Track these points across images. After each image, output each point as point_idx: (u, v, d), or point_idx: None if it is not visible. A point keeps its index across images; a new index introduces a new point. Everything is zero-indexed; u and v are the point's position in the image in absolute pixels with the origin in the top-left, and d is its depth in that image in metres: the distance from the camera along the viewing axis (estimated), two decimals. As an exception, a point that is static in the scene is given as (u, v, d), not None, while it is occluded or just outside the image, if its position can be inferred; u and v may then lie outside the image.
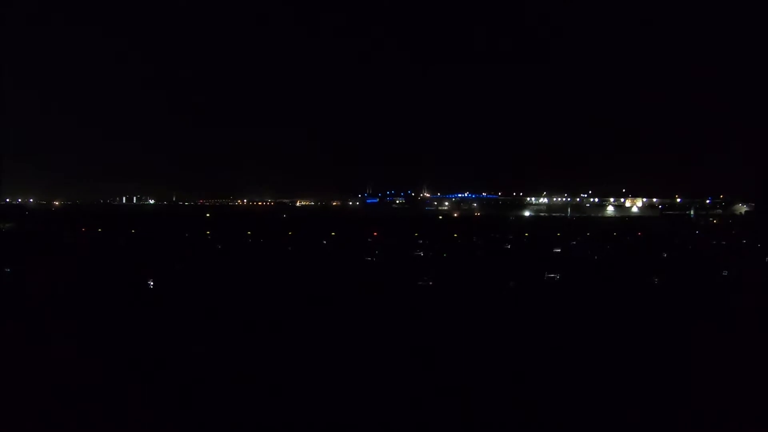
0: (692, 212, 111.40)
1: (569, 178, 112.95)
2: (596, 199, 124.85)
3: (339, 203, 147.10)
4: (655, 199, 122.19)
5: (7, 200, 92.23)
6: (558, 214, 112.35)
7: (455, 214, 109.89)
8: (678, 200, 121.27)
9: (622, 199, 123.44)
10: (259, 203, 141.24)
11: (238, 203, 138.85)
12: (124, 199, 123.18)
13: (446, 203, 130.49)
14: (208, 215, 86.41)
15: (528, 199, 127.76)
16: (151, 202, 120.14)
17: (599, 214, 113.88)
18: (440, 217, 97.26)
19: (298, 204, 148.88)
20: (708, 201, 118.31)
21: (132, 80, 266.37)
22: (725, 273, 22.84)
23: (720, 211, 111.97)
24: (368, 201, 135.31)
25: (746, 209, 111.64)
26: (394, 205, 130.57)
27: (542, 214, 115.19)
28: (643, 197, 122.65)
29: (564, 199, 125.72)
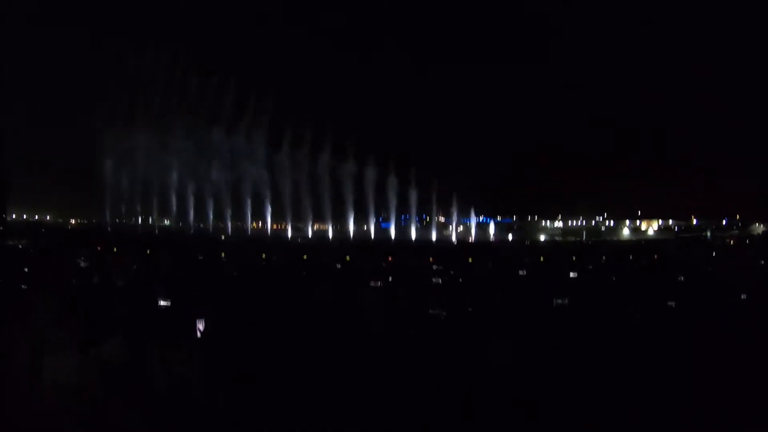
0: (709, 234, 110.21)
1: (584, 200, 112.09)
2: (611, 222, 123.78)
3: (354, 228, 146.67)
4: (670, 221, 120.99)
5: (24, 217, 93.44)
6: (573, 238, 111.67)
7: (470, 239, 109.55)
8: (694, 222, 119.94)
9: (638, 222, 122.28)
10: (274, 227, 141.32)
11: (254, 226, 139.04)
12: (139, 219, 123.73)
13: (461, 227, 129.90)
14: (222, 237, 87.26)
15: (543, 223, 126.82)
16: (167, 223, 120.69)
17: (615, 238, 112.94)
18: (455, 242, 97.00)
19: (314, 228, 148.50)
20: (724, 222, 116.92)
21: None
22: (743, 296, 22.53)
23: (737, 231, 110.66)
24: (383, 225, 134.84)
25: (764, 229, 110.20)
26: (408, 230, 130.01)
27: (557, 238, 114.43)
28: (658, 219, 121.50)
29: (579, 222, 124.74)
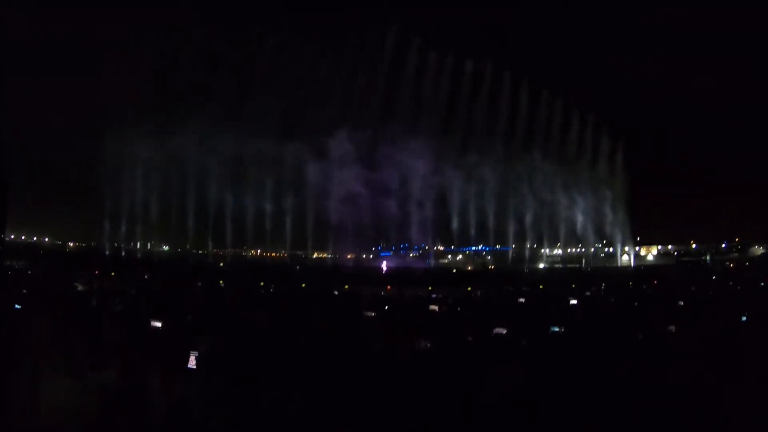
0: (708, 257, 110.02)
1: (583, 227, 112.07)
2: (610, 249, 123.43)
3: (353, 256, 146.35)
4: (670, 246, 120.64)
5: (23, 238, 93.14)
6: (573, 265, 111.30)
7: (469, 267, 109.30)
8: (693, 246, 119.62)
9: (637, 248, 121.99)
10: (273, 254, 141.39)
11: (252, 254, 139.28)
12: (138, 244, 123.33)
13: (460, 256, 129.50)
14: (221, 264, 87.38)
15: (542, 250, 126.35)
16: (165, 248, 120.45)
17: (614, 264, 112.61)
18: (454, 271, 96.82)
19: (314, 256, 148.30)
20: (724, 245, 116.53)
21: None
22: (744, 318, 22.42)
23: (736, 254, 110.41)
24: (382, 254, 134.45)
25: (763, 251, 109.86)
26: (407, 259, 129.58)
27: (557, 265, 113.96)
28: (657, 245, 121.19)
29: (578, 249, 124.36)
